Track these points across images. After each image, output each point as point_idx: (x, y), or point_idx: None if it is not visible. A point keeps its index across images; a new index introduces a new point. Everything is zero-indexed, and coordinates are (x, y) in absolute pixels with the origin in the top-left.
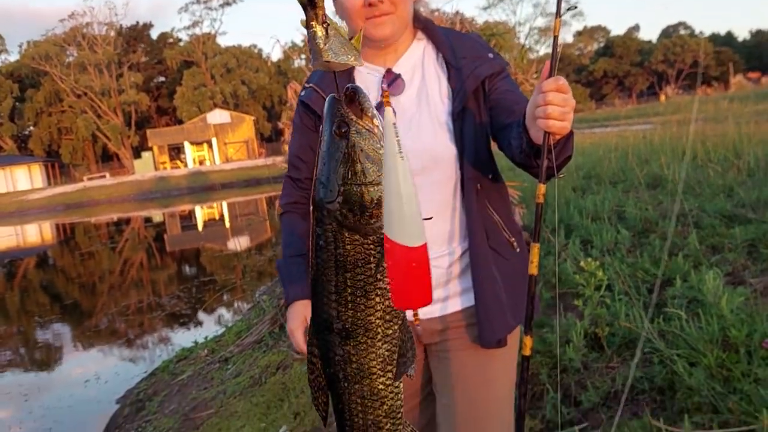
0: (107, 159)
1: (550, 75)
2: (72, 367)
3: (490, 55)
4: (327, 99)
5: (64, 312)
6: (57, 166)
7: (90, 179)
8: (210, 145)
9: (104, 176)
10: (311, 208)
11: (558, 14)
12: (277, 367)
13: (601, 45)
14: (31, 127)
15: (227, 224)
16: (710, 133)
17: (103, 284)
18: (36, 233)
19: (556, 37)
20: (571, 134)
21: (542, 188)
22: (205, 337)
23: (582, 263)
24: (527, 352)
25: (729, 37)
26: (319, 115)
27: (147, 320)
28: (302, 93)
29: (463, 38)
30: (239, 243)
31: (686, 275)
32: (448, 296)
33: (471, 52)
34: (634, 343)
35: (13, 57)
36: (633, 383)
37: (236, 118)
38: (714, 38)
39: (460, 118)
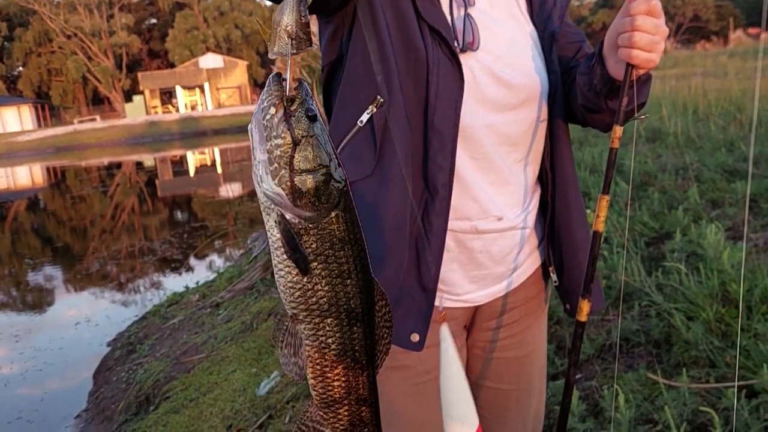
0: (98, 102)
1: None
2: (63, 309)
3: None
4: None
5: (55, 255)
6: (47, 108)
7: (80, 122)
8: (202, 90)
9: (95, 119)
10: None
11: None
12: (268, 314)
13: None
14: (20, 68)
15: (219, 170)
16: (710, 87)
17: (95, 228)
18: (26, 175)
19: None
20: (649, 77)
21: (618, 131)
22: (197, 283)
23: None
24: (583, 318)
25: None
26: None
27: (138, 265)
28: None
29: None
30: (231, 189)
31: (686, 229)
32: (524, 261)
33: None
34: (631, 297)
35: None
36: (629, 336)
37: (229, 63)
38: None
39: (550, 40)
